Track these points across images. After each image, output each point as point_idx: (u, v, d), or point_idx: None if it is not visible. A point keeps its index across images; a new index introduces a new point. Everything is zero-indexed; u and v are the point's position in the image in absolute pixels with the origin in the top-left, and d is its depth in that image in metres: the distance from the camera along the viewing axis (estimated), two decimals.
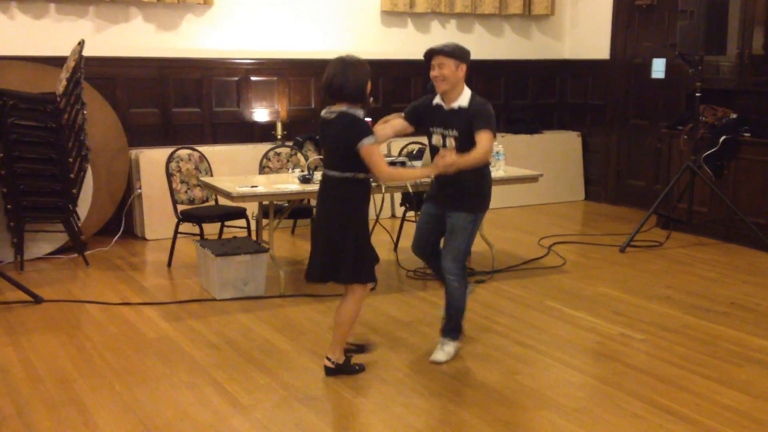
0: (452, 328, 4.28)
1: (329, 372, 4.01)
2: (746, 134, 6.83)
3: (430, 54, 4.10)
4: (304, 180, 5.44)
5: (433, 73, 4.09)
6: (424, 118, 4.25)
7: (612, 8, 8.56)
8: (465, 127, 4.08)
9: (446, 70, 4.05)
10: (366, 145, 3.76)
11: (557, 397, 3.83)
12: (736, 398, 3.81)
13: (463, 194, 4.15)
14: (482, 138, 3.99)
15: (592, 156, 9.01)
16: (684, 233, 7.07)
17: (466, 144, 4.06)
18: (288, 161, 6.61)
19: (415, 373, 4.08)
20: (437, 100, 4.20)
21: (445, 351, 4.23)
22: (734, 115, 6.96)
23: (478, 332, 4.57)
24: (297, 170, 6.16)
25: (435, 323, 4.76)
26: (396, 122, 4.29)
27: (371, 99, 3.89)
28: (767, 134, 6.70)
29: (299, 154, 6.70)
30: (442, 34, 8.41)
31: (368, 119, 3.93)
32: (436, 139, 4.20)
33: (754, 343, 4.54)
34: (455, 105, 4.12)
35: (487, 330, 4.69)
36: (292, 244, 6.83)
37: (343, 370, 4.03)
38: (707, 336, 4.65)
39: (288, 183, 5.50)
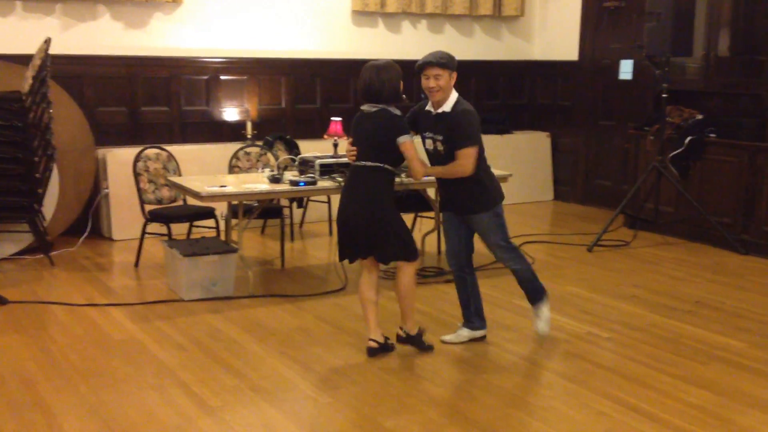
0: (536, 294, 4.54)
1: (399, 340, 4.32)
2: (712, 135, 6.93)
3: (424, 66, 4.19)
4: (274, 180, 5.42)
5: (428, 84, 4.18)
6: (419, 124, 4.40)
7: (581, 10, 8.63)
8: (446, 132, 4.22)
9: (442, 81, 4.17)
10: (404, 141, 4.08)
11: (525, 395, 3.86)
12: (700, 396, 3.86)
13: (472, 196, 4.30)
14: (460, 155, 4.19)
15: (561, 156, 9.08)
16: (650, 233, 7.16)
17: (452, 146, 4.22)
18: (258, 161, 6.58)
19: (384, 373, 4.08)
20: (428, 105, 4.34)
21: (543, 319, 4.55)
22: (700, 116, 7.05)
23: (447, 331, 4.58)
24: (267, 170, 6.14)
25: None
26: None
27: (404, 96, 4.24)
28: (732, 135, 6.80)
29: (269, 154, 6.67)
30: (413, 35, 8.43)
31: None
32: (429, 143, 4.35)
33: (718, 342, 4.61)
34: (440, 110, 4.25)
35: (456, 329, 4.70)
36: (261, 244, 6.80)
37: (414, 342, 4.29)
38: (673, 334, 4.71)
39: (258, 183, 5.47)
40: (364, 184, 4.17)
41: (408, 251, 4.22)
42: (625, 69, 8.21)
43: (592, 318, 4.98)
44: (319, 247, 6.79)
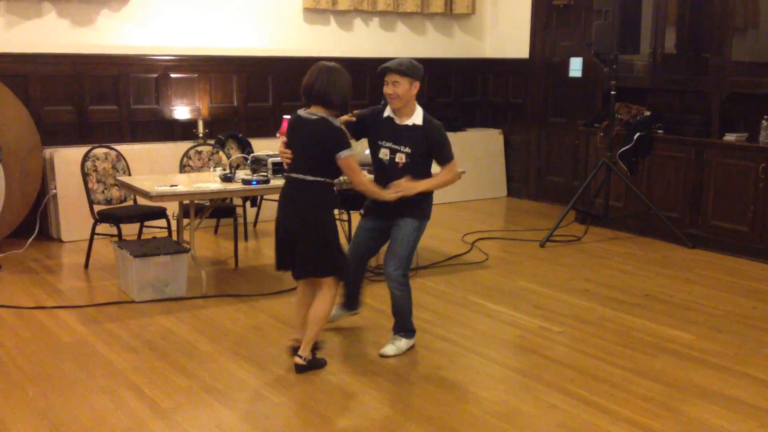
0: (401, 327, 4.33)
1: (300, 369, 4.01)
2: (659, 131, 7.07)
3: (384, 71, 4.10)
4: (226, 179, 5.37)
5: (387, 90, 4.10)
6: (371, 130, 4.24)
7: (531, 8, 8.72)
8: (418, 145, 4.13)
9: (400, 89, 4.07)
10: (345, 157, 3.87)
11: (479, 390, 3.89)
12: (650, 387, 3.93)
13: (409, 202, 4.17)
14: (449, 168, 4.22)
15: (514, 153, 9.17)
16: (601, 227, 7.27)
17: (417, 161, 4.14)
18: (209, 160, 6.51)
19: (339, 372, 4.08)
20: (388, 112, 4.19)
21: (395, 345, 4.28)
22: (648, 113, 7.18)
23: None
24: (219, 169, 6.09)
25: (352, 323, 4.75)
26: None
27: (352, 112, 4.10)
28: (679, 131, 6.95)
29: (221, 153, 6.61)
30: (365, 33, 8.43)
31: None
32: (384, 153, 4.18)
33: (667, 334, 4.70)
34: (409, 122, 4.15)
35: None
36: (214, 244, 6.74)
37: (313, 366, 4.06)
38: (623, 327, 4.79)
39: (209, 182, 5.42)
40: (303, 199, 3.92)
41: (340, 268, 4.03)
42: (575, 66, 8.32)
43: (545, 312, 5.04)
44: (273, 246, 6.72)
